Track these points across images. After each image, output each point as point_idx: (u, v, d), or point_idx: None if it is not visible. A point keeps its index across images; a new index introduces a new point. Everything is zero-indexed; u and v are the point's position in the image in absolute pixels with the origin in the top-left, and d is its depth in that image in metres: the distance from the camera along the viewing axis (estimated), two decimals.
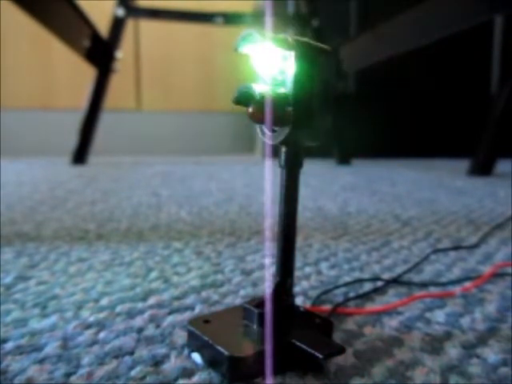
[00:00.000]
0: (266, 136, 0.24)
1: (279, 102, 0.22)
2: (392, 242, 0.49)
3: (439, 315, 0.30)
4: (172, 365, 0.23)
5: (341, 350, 0.22)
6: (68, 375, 0.22)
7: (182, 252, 0.45)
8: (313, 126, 0.23)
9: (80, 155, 1.45)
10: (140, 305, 0.31)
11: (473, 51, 1.84)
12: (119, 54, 1.50)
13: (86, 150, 1.47)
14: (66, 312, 0.30)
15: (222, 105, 2.01)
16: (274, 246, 0.26)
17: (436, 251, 0.45)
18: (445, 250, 0.46)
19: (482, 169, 1.20)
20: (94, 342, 0.26)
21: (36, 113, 1.93)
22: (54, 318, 0.29)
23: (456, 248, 0.47)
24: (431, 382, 0.22)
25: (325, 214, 0.65)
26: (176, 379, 0.22)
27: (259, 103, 0.21)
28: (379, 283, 0.36)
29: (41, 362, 0.23)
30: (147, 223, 0.58)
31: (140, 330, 0.27)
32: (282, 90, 0.22)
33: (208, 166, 1.45)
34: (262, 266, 0.40)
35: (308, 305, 0.31)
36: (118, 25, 1.47)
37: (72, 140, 1.46)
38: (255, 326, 0.24)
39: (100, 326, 0.28)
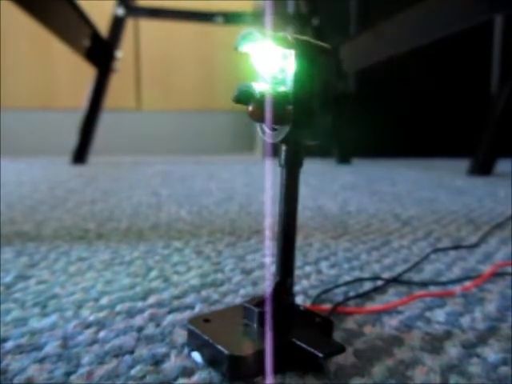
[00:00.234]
0: (266, 135, 0.24)
1: (279, 101, 0.22)
2: (392, 241, 0.49)
3: (439, 314, 0.30)
4: (172, 364, 0.23)
5: (341, 349, 0.22)
6: (68, 374, 0.22)
7: (181, 251, 0.45)
8: (313, 125, 0.23)
9: (80, 155, 1.45)
10: (140, 304, 0.31)
11: (473, 51, 1.84)
12: (119, 53, 1.50)
13: (86, 150, 1.47)
14: (65, 311, 0.30)
15: (222, 104, 2.01)
16: (274, 246, 0.26)
17: (436, 250, 0.45)
18: (445, 250, 0.46)
19: (482, 168, 1.19)
20: (93, 341, 0.26)
21: (36, 112, 1.93)
22: (53, 318, 0.29)
23: (456, 247, 0.47)
24: (431, 381, 0.22)
25: (325, 213, 0.65)
26: (176, 378, 0.22)
27: (259, 102, 0.21)
28: (379, 282, 0.36)
29: (41, 361, 0.23)
30: (147, 223, 0.58)
31: (140, 329, 0.27)
32: (282, 89, 0.22)
33: (208, 166, 1.45)
34: (262, 266, 0.40)
35: (308, 304, 0.31)
36: (117, 24, 1.47)
37: (72, 140, 1.45)
38: (255, 325, 0.24)
39: (100, 325, 0.28)
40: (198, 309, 0.30)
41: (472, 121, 1.78)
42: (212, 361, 0.23)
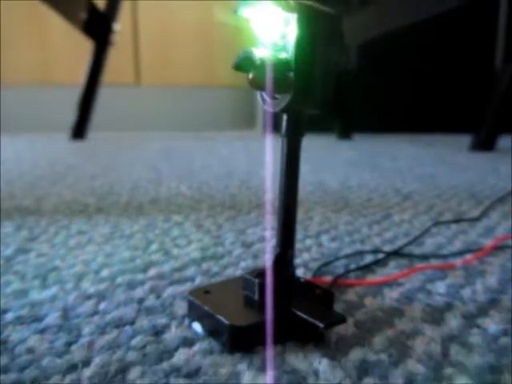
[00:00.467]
0: (266, 104, 0.23)
1: (280, 68, 0.21)
2: (393, 215, 0.49)
3: (440, 286, 0.30)
4: (172, 334, 0.23)
5: (341, 320, 0.22)
6: (69, 344, 0.22)
7: (182, 225, 0.44)
8: (314, 94, 0.22)
9: (79, 131, 1.44)
10: (140, 276, 0.31)
11: (477, 25, 1.80)
12: (117, 26, 1.48)
13: (85, 126, 1.46)
14: (66, 283, 0.30)
15: (222, 79, 1.98)
16: (275, 218, 0.25)
17: (437, 224, 0.45)
18: (446, 223, 0.46)
19: (484, 144, 1.19)
20: (94, 313, 0.26)
21: (34, 89, 1.91)
22: (54, 289, 0.29)
23: (457, 221, 0.47)
24: (432, 351, 0.22)
25: (325, 188, 0.65)
26: (176, 348, 0.22)
27: (260, 69, 0.21)
28: (380, 255, 0.36)
29: (41, 332, 0.23)
30: (147, 197, 0.58)
31: (140, 301, 0.27)
32: (283, 56, 0.22)
33: (208, 142, 1.44)
34: (262, 239, 0.40)
35: (309, 276, 0.31)
36: None
37: (71, 115, 1.44)
38: (256, 297, 0.24)
39: (100, 296, 0.28)
40: (198, 281, 0.30)
41: (475, 96, 1.76)
42: (212, 331, 0.23)
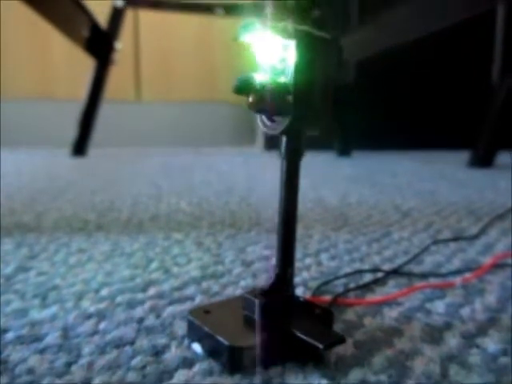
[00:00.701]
0: (266, 126, 0.24)
1: (279, 92, 0.21)
2: (392, 233, 0.49)
3: (439, 306, 0.30)
4: (172, 355, 0.23)
5: (341, 340, 0.22)
6: (69, 365, 0.22)
7: (182, 243, 0.45)
8: (313, 116, 0.23)
9: (80, 147, 1.45)
10: (140, 295, 0.31)
11: (474, 42, 1.82)
12: (119, 44, 1.49)
13: (86, 142, 1.47)
14: (66, 302, 0.30)
15: (222, 96, 2.00)
16: (275, 237, 0.26)
17: (436, 242, 0.45)
18: (445, 241, 0.46)
19: (483, 160, 1.19)
20: (94, 332, 0.26)
21: (35, 103, 1.93)
22: (54, 309, 0.29)
23: (456, 239, 0.47)
24: (431, 371, 0.22)
25: (325, 205, 0.65)
26: (176, 369, 0.22)
27: (259, 93, 0.21)
28: (379, 274, 0.36)
29: (41, 351, 0.23)
30: (147, 214, 0.58)
31: (140, 321, 0.27)
32: (282, 79, 0.22)
33: (208, 157, 1.44)
34: (262, 257, 0.40)
35: (308, 295, 0.31)
36: (117, 15, 1.46)
37: (71, 130, 1.45)
38: (255, 317, 0.24)
39: (100, 316, 0.28)
40: (198, 300, 0.30)
41: (473, 112, 1.77)
42: (212, 352, 0.23)
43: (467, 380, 0.21)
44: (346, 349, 0.24)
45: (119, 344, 0.24)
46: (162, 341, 0.25)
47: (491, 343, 0.25)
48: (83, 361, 0.23)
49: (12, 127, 1.88)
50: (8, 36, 1.87)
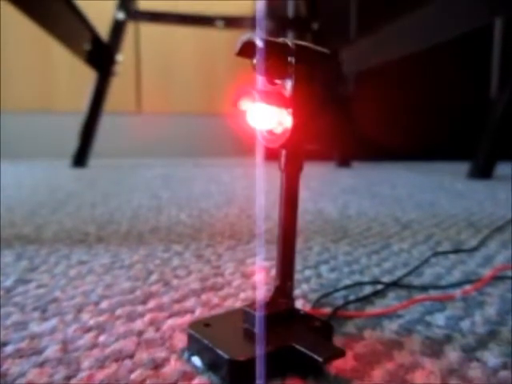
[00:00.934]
0: (265, 140, 0.24)
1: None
2: (392, 244, 0.49)
3: (439, 318, 0.30)
4: (172, 368, 0.23)
5: (341, 353, 0.22)
6: (68, 378, 0.22)
7: (182, 255, 0.45)
8: (312, 129, 0.23)
9: (80, 158, 1.46)
10: (140, 308, 0.31)
11: (472, 54, 1.84)
12: (120, 57, 1.51)
13: (86, 153, 1.47)
14: (66, 315, 0.30)
15: (222, 108, 2.01)
16: (275, 249, 0.26)
17: (436, 254, 0.45)
18: (445, 253, 0.46)
19: (482, 172, 1.20)
20: (94, 345, 0.26)
21: (36, 115, 1.94)
22: (54, 321, 0.29)
23: (456, 251, 0.47)
24: None
25: (325, 216, 0.65)
26: (176, 383, 0.22)
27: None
28: (379, 286, 0.36)
29: (41, 365, 0.23)
30: (147, 226, 0.58)
31: (140, 333, 0.27)
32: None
33: (208, 169, 1.45)
34: (262, 269, 0.40)
35: (308, 308, 0.31)
36: (118, 28, 1.47)
37: (72, 143, 1.46)
38: (255, 330, 0.24)
39: (100, 329, 0.28)
40: (198, 313, 0.30)
41: (472, 124, 1.78)
42: (212, 365, 0.23)
43: None
44: (345, 362, 0.24)
45: (119, 357, 0.24)
46: (161, 354, 0.25)
47: (491, 357, 0.25)
48: (82, 374, 0.23)
49: (12, 139, 1.89)
50: (9, 48, 1.88)
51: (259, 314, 0.24)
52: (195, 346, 0.24)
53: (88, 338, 0.26)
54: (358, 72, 1.67)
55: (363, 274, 0.39)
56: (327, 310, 0.31)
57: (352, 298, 0.33)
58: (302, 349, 0.22)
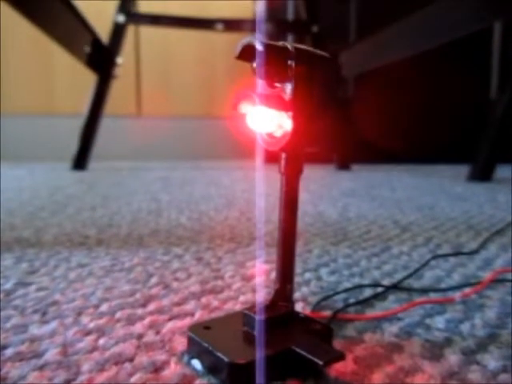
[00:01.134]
0: (266, 143, 0.24)
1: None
2: (392, 247, 0.49)
3: (439, 321, 0.30)
4: (172, 371, 0.23)
5: (341, 357, 0.22)
6: (68, 382, 0.22)
7: (182, 258, 0.45)
8: (312, 132, 0.23)
9: (80, 161, 1.46)
10: (140, 311, 0.31)
11: (472, 57, 1.84)
12: (120, 60, 1.51)
13: (87, 156, 1.47)
14: (65, 318, 0.30)
15: (222, 110, 2.01)
16: (275, 252, 0.26)
17: (436, 257, 0.45)
18: (445, 256, 0.46)
19: (482, 174, 1.20)
20: (93, 349, 0.25)
21: (36, 118, 1.94)
22: (53, 324, 0.29)
23: (456, 254, 0.47)
24: None
25: (325, 219, 0.65)
26: None
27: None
28: (379, 289, 0.36)
29: (40, 368, 0.23)
30: (147, 229, 0.58)
31: (140, 337, 0.27)
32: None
33: (208, 171, 1.45)
34: (261, 272, 0.40)
35: (308, 311, 0.31)
36: (118, 31, 1.47)
37: (72, 145, 1.46)
38: (255, 333, 0.24)
39: (100, 332, 0.28)
40: (197, 316, 0.30)
41: (471, 127, 1.79)
42: (212, 368, 0.23)
43: None
44: (345, 365, 0.24)
45: (119, 360, 0.24)
46: (161, 357, 0.25)
47: (491, 360, 0.25)
48: (82, 378, 0.23)
49: (12, 142, 1.89)
50: (9, 50, 1.89)
51: (259, 317, 0.24)
52: (195, 348, 0.24)
53: (88, 341, 0.26)
54: (358, 75, 1.68)
55: (363, 276, 0.39)
56: (327, 312, 0.31)
57: (352, 300, 0.33)
58: (302, 352, 0.22)
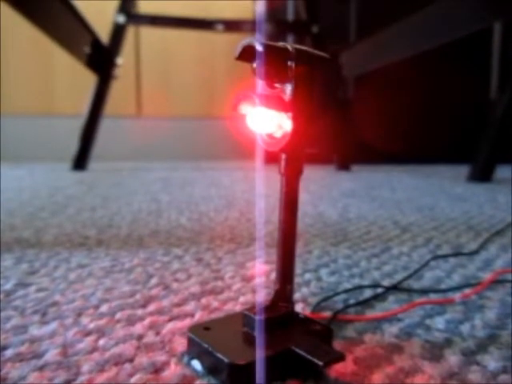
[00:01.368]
0: (265, 143, 0.24)
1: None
2: (392, 248, 0.49)
3: (439, 322, 0.30)
4: (172, 372, 0.23)
5: (340, 357, 0.22)
6: (68, 382, 0.22)
7: (182, 258, 0.45)
8: (312, 133, 0.23)
9: (80, 161, 1.46)
10: (140, 311, 0.31)
11: (472, 57, 1.84)
12: (120, 60, 1.51)
13: (87, 156, 1.47)
14: (65, 319, 0.30)
15: (222, 111, 2.01)
16: (275, 253, 0.26)
17: (436, 257, 0.45)
18: (445, 257, 0.46)
19: (482, 175, 1.20)
20: (93, 349, 0.25)
21: (36, 119, 1.94)
22: (53, 325, 0.29)
23: (456, 254, 0.47)
24: None
25: (325, 220, 0.65)
26: None
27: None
28: (379, 290, 0.36)
29: (40, 369, 0.23)
30: (147, 229, 0.58)
31: (140, 337, 0.27)
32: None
33: (208, 172, 1.45)
34: (262, 273, 0.40)
35: (308, 311, 0.31)
36: (118, 32, 1.47)
37: (72, 146, 1.46)
38: (255, 333, 0.24)
39: (100, 332, 0.28)
40: (197, 316, 0.30)
41: (471, 127, 1.79)
42: (212, 369, 0.23)
43: None
44: (345, 366, 0.24)
45: (118, 361, 0.24)
46: (161, 358, 0.25)
47: (491, 360, 0.25)
48: (82, 378, 0.23)
49: (12, 142, 1.89)
50: (9, 51, 1.89)
51: (259, 318, 0.24)
52: (195, 349, 0.24)
53: (88, 341, 0.26)
54: (358, 75, 1.68)
55: (363, 277, 0.39)
56: (327, 313, 0.31)
57: (352, 301, 0.33)
58: (302, 353, 0.22)
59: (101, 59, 1.42)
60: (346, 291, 0.35)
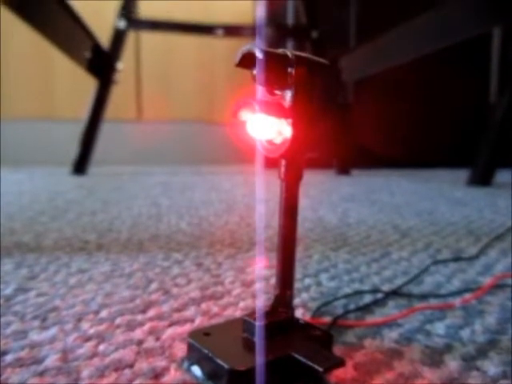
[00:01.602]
0: (265, 149, 0.24)
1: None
2: (391, 253, 0.49)
3: (439, 327, 0.30)
4: (172, 377, 0.23)
5: (341, 363, 0.22)
6: None
7: (181, 263, 0.45)
8: (312, 139, 0.23)
9: (80, 166, 1.46)
10: (140, 317, 0.31)
11: (471, 61, 1.85)
12: (120, 65, 1.51)
13: (87, 161, 1.47)
14: (65, 324, 0.30)
15: (222, 116, 2.02)
16: (274, 258, 0.26)
17: (436, 262, 0.45)
18: (445, 262, 0.46)
19: (482, 179, 1.20)
20: (93, 355, 0.25)
21: (37, 123, 1.94)
22: (53, 330, 0.29)
23: (456, 259, 0.47)
24: None
25: (324, 224, 0.65)
26: None
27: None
28: (379, 295, 0.36)
29: (41, 374, 0.23)
30: (147, 234, 0.58)
31: (140, 343, 0.27)
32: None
33: (208, 176, 1.45)
34: (261, 278, 0.40)
35: (308, 317, 0.31)
36: (119, 37, 1.48)
37: (72, 150, 1.46)
38: (255, 339, 0.24)
39: (100, 338, 0.28)
40: (197, 322, 0.30)
41: (471, 131, 1.79)
42: (212, 375, 0.23)
43: None
44: (345, 371, 0.24)
45: (118, 367, 0.24)
46: (161, 363, 0.25)
47: (491, 366, 0.25)
48: None
49: (13, 146, 1.89)
50: (10, 55, 1.89)
51: (259, 324, 0.24)
52: (195, 355, 0.24)
53: (88, 347, 0.26)
54: (358, 80, 1.68)
55: (363, 282, 0.39)
56: (327, 319, 0.31)
57: (352, 306, 0.33)
58: (302, 358, 0.22)
59: (101, 64, 1.43)
60: (346, 296, 0.35)
